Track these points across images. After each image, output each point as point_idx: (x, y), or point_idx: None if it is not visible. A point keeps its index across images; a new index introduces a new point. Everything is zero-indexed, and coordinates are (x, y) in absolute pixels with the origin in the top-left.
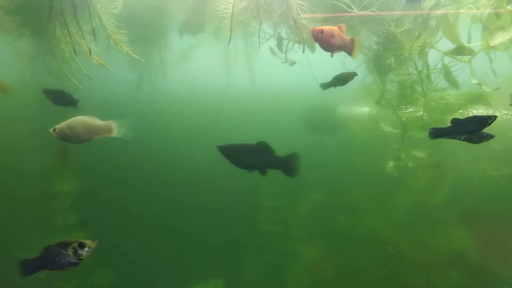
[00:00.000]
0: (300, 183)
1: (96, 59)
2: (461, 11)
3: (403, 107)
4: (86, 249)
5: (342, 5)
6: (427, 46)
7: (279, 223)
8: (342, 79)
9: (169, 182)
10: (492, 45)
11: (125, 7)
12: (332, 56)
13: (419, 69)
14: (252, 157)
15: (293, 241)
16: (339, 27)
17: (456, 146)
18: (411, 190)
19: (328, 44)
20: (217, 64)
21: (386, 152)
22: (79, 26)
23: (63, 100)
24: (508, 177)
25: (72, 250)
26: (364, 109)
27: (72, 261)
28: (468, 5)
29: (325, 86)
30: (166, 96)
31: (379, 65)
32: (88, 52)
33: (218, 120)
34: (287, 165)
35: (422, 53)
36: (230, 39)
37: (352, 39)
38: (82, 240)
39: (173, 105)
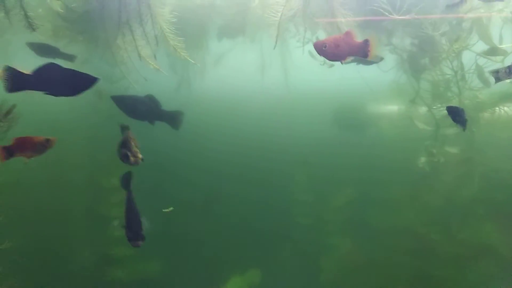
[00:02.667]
0: (334, 178)
1: (152, 64)
2: (494, 14)
3: (437, 105)
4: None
5: (382, 10)
6: (464, 48)
7: (313, 217)
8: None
9: (211, 177)
10: None
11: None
12: (342, 64)
13: (455, 70)
14: (141, 107)
15: (326, 234)
16: (346, 34)
17: (486, 142)
18: (443, 184)
19: (334, 55)
20: (253, 66)
21: (419, 148)
22: (145, 34)
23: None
24: None
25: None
26: (395, 108)
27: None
28: (502, 8)
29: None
30: (202, 97)
31: (414, 65)
32: (154, 57)
33: (253, 119)
34: (172, 118)
35: (458, 54)
36: (275, 44)
37: (366, 40)
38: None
39: (209, 105)
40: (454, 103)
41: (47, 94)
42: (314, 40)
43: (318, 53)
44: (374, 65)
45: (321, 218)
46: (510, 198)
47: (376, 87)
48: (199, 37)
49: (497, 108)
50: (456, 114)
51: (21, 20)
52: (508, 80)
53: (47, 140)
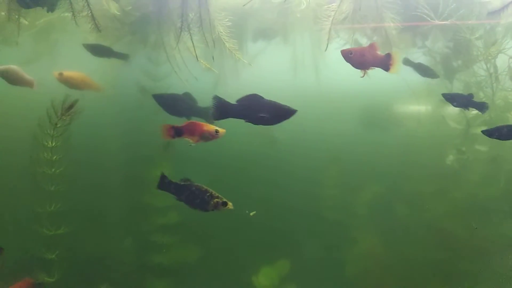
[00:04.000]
0: (360, 174)
1: (204, 64)
2: None
3: None
4: (226, 207)
5: (425, 16)
6: (499, 51)
7: (340, 211)
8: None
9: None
10: None
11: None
12: (363, 75)
13: (490, 72)
14: (180, 104)
15: (353, 228)
16: (371, 45)
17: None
18: (471, 181)
19: (359, 63)
20: (286, 66)
21: (450, 146)
22: (205, 37)
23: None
24: None
25: (214, 202)
26: (427, 107)
27: (207, 209)
28: None
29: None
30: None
31: (448, 67)
32: (212, 58)
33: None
34: (208, 113)
35: (494, 57)
36: (327, 47)
37: (388, 54)
38: (226, 200)
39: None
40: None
41: (248, 122)
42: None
43: (345, 59)
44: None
45: (349, 212)
46: None
47: (410, 87)
48: (238, 38)
49: None
50: (453, 100)
51: (87, 21)
52: None
53: (216, 131)
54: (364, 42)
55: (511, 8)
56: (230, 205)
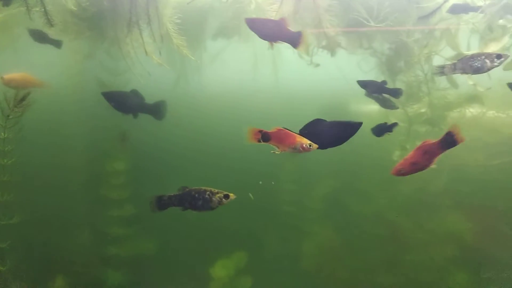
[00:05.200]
0: (316, 171)
1: (157, 60)
2: (460, 25)
3: (410, 104)
4: (229, 199)
5: (361, 19)
6: (433, 53)
7: (296, 205)
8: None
9: (202, 165)
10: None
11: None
12: (271, 47)
13: (425, 72)
14: (128, 102)
15: (308, 222)
16: (281, 19)
17: None
18: (414, 177)
19: (264, 34)
20: (245, 65)
21: (395, 143)
22: (152, 32)
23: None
24: (499, 167)
25: (217, 198)
26: (375, 106)
27: (213, 206)
28: (468, 20)
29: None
30: (200, 93)
31: (391, 68)
32: (158, 53)
33: (244, 115)
34: (155, 110)
35: (428, 58)
36: (272, 45)
37: (299, 32)
38: (227, 193)
39: (205, 101)
40: (425, 102)
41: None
42: None
43: (250, 27)
44: (355, 66)
45: (304, 206)
46: (475, 190)
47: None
48: (197, 36)
49: (463, 108)
50: (366, 86)
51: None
52: (471, 83)
53: (310, 145)
54: (314, 43)
55: (439, 13)
56: (232, 195)
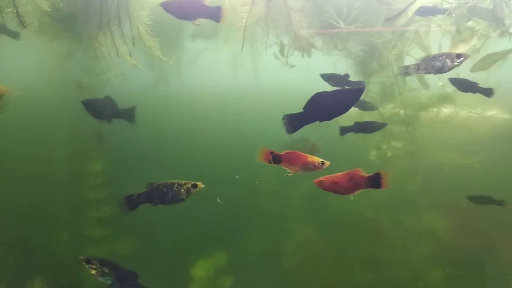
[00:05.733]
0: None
1: (131, 61)
2: (429, 27)
3: (384, 104)
4: (197, 189)
5: (331, 20)
6: (403, 54)
7: (277, 204)
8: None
9: (183, 162)
10: None
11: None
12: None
13: (395, 73)
14: (104, 109)
15: (290, 221)
16: None
17: (428, 139)
18: (392, 176)
19: (180, 13)
20: (226, 66)
21: (371, 143)
22: (123, 34)
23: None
24: (472, 165)
25: (185, 189)
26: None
27: (183, 198)
28: (437, 21)
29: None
30: (180, 94)
31: (364, 69)
32: (129, 54)
33: (225, 116)
34: (127, 114)
35: (399, 59)
36: (242, 46)
37: (219, 6)
38: (194, 182)
39: (185, 102)
40: (398, 102)
41: (322, 121)
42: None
43: (166, 11)
44: (331, 67)
45: (284, 206)
46: (448, 188)
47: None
48: (175, 37)
49: (436, 108)
50: (329, 80)
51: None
52: (440, 83)
53: (322, 163)
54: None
55: (410, 15)
56: (200, 184)
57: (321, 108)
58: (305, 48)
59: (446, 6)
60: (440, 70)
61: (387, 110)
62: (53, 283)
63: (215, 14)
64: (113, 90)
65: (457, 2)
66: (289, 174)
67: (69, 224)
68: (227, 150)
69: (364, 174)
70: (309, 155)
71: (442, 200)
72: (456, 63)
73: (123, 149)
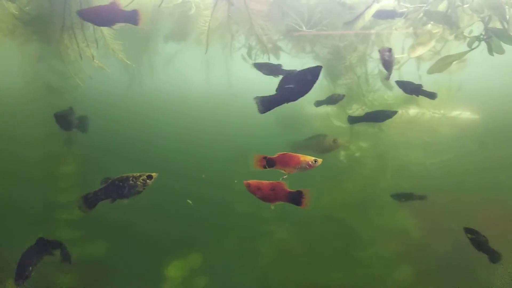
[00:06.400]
0: (270, 172)
1: (96, 63)
2: (387, 30)
3: (351, 105)
4: (152, 180)
5: (294, 24)
6: (362, 57)
7: (252, 205)
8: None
9: (155, 168)
10: (412, 56)
11: None
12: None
13: (358, 75)
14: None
15: (264, 221)
16: (113, 2)
17: (395, 139)
18: (359, 175)
19: (98, 20)
20: (198, 68)
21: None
22: (85, 37)
23: None
24: (437, 164)
25: (141, 181)
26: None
27: (139, 190)
28: (396, 25)
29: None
30: (153, 95)
31: (331, 71)
32: (92, 57)
33: (198, 117)
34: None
35: (363, 62)
36: (207, 49)
37: (135, 10)
38: (149, 173)
39: (159, 104)
40: (365, 104)
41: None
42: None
43: (83, 19)
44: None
45: (258, 206)
46: (415, 187)
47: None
48: (148, 40)
49: (401, 110)
50: (262, 68)
51: None
52: None
53: (315, 161)
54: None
55: (363, 19)
56: (154, 174)
57: (290, 89)
58: (270, 50)
59: (402, 10)
60: (385, 65)
61: (353, 111)
62: (24, 286)
63: (132, 18)
64: (85, 93)
65: (413, 6)
66: (285, 176)
67: (40, 227)
68: (203, 150)
69: (287, 188)
70: (302, 155)
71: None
72: (385, 56)
73: (94, 149)
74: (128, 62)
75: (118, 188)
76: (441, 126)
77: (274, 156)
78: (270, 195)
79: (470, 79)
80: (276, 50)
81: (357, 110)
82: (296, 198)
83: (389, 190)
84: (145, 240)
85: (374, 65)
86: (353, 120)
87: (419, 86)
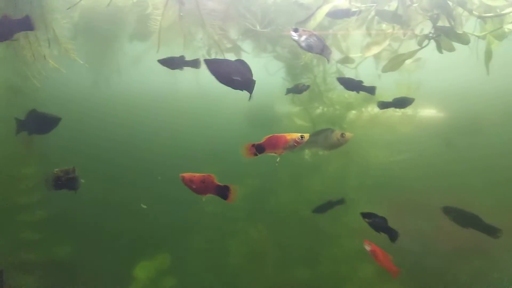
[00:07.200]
0: (239, 171)
1: (51, 63)
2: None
3: (313, 105)
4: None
5: (248, 24)
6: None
7: (220, 205)
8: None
9: (123, 168)
10: (366, 56)
11: (81, 19)
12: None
13: (315, 74)
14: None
15: (233, 220)
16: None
17: (357, 137)
18: (325, 173)
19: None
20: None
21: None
22: (37, 37)
23: None
24: (398, 162)
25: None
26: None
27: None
28: (350, 24)
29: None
30: (121, 95)
31: (292, 71)
32: (44, 57)
33: (167, 117)
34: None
35: (320, 61)
36: (158, 49)
37: (27, 16)
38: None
39: (127, 103)
40: (325, 103)
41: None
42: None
43: None
44: (262, 69)
45: (226, 206)
46: (379, 185)
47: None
48: (113, 39)
49: (363, 108)
50: (167, 63)
51: None
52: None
53: (302, 137)
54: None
55: (314, 19)
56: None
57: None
58: (228, 50)
59: (354, 9)
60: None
61: (314, 109)
62: None
63: (27, 25)
64: (47, 94)
65: (364, 5)
66: (278, 160)
67: (1, 229)
68: (171, 150)
69: (216, 181)
70: (288, 134)
71: (375, 196)
72: (294, 37)
73: (55, 150)
74: (81, 62)
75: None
76: (402, 124)
77: (262, 141)
78: (201, 188)
79: (431, 78)
80: (237, 50)
81: (317, 108)
82: (223, 192)
83: (354, 189)
84: (112, 241)
85: (331, 64)
86: (383, 105)
87: (360, 82)
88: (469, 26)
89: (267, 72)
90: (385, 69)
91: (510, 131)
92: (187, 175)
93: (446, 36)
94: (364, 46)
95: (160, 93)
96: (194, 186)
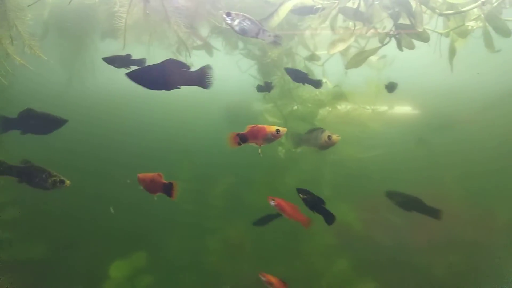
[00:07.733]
0: (214, 169)
1: (18, 60)
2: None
3: (284, 102)
4: (64, 185)
5: (214, 21)
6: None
7: (195, 203)
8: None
9: (96, 167)
10: (331, 53)
11: (51, 15)
12: None
13: (283, 72)
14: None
15: (210, 218)
16: None
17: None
18: (299, 170)
19: None
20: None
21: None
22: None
23: None
24: (370, 158)
25: (52, 181)
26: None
27: (48, 187)
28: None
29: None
30: (94, 93)
31: (263, 68)
32: (6, 54)
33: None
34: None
35: (289, 58)
36: (124, 46)
37: None
38: (64, 178)
39: (102, 102)
40: (297, 100)
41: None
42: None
43: None
44: (234, 66)
45: (203, 204)
46: (351, 181)
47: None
48: (84, 36)
49: (333, 105)
50: (114, 62)
51: None
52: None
53: (278, 131)
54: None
55: (277, 16)
56: (67, 182)
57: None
58: (188, 47)
59: (317, 6)
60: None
61: (284, 106)
62: None
63: None
64: (25, 89)
65: (326, 2)
66: (259, 151)
67: None
68: (147, 150)
69: (162, 180)
70: (268, 126)
71: (348, 193)
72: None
73: (28, 147)
74: (45, 58)
75: (30, 175)
76: (372, 121)
77: (245, 131)
78: (151, 187)
79: (400, 75)
80: (208, 47)
81: (288, 105)
82: (168, 189)
83: (327, 184)
84: (87, 240)
85: (299, 61)
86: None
87: (306, 74)
88: (435, 24)
89: (239, 69)
90: (348, 66)
91: (478, 127)
92: (141, 175)
93: (406, 34)
94: (329, 43)
95: (133, 91)
96: (145, 185)
